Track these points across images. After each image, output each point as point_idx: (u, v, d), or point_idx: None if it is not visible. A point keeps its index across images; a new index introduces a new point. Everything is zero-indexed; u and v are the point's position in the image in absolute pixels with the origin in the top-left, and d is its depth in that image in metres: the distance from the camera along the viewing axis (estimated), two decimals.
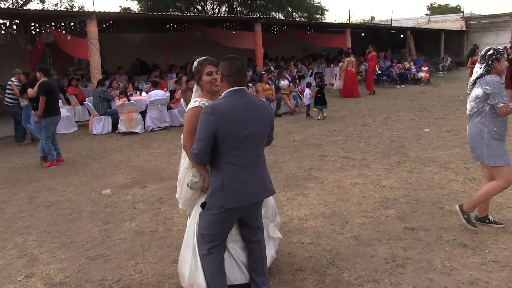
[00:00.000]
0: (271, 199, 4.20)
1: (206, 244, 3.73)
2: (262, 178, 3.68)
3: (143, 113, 12.89)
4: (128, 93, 13.24)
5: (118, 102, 12.48)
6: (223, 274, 3.79)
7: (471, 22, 36.94)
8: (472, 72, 15.70)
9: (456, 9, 54.43)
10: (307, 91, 13.98)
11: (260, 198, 3.70)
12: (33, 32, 18.46)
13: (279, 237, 4.38)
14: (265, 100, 3.85)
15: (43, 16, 16.29)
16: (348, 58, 18.66)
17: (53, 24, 17.92)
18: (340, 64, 19.31)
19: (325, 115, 13.50)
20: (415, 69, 23.94)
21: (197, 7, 35.11)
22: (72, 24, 20.03)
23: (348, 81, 18.59)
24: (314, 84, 14.31)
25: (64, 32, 18.23)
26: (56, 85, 9.32)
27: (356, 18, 55.93)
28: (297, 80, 16.62)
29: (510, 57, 14.82)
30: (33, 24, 18.32)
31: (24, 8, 14.35)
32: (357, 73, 19.76)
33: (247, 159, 3.57)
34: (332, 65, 24.33)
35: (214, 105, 3.52)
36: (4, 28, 17.78)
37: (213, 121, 3.43)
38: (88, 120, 13.37)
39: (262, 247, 3.95)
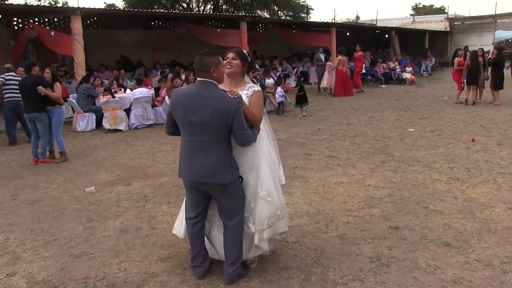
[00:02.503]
0: (261, 207, 4.15)
1: (185, 214, 4.35)
2: (205, 164, 3.97)
3: (128, 111, 12.81)
4: (113, 90, 13.13)
5: (102, 99, 12.37)
6: (196, 242, 4.28)
7: (455, 23, 37.27)
8: (456, 73, 15.93)
9: (441, 10, 54.90)
10: (279, 89, 14.13)
11: (199, 180, 4.02)
12: (16, 27, 18.25)
13: (263, 249, 4.36)
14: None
15: (26, 11, 16.10)
16: (340, 57, 18.71)
17: (36, 19, 17.71)
18: (329, 63, 19.36)
19: (304, 114, 13.64)
20: (400, 69, 24.10)
21: (182, 4, 34.99)
22: (56, 19, 19.83)
23: (340, 80, 18.68)
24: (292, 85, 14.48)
25: (47, 27, 18.03)
26: (31, 80, 8.85)
27: (341, 18, 56.31)
28: (283, 79, 16.65)
29: (491, 59, 15.03)
30: (15, 19, 18.10)
31: (6, 2, 14.18)
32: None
33: (193, 142, 4.00)
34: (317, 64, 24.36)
35: (176, 90, 4.20)
36: None
37: (170, 103, 4.14)
38: (72, 117, 13.25)
39: (228, 232, 4.15)
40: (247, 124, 4.01)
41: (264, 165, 4.19)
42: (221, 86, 4.12)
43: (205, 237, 4.40)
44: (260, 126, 4.25)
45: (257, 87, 4.28)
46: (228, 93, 3.91)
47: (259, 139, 4.19)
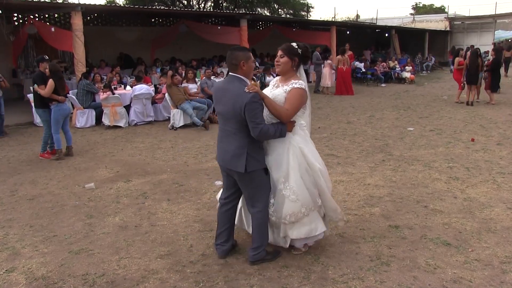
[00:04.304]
0: (282, 203, 4.33)
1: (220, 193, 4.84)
2: (226, 151, 4.33)
3: (128, 107, 12.79)
4: (113, 87, 13.11)
5: (102, 95, 12.35)
6: (221, 221, 4.63)
7: (455, 22, 37.26)
8: (456, 73, 15.92)
9: (441, 10, 54.91)
10: None
11: (222, 164, 4.43)
12: (16, 23, 18.20)
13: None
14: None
15: (27, 7, 16.02)
16: (339, 56, 18.73)
17: (36, 15, 17.67)
18: (328, 61, 19.37)
19: None
20: (400, 68, 24.09)
21: (183, 1, 34.94)
22: (56, 15, 19.79)
23: (340, 79, 18.73)
24: None
25: (48, 23, 17.99)
26: (33, 77, 9.16)
27: (341, 16, 56.28)
28: None
29: (493, 58, 15.05)
30: (16, 14, 18.05)
31: None
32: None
33: (221, 130, 4.42)
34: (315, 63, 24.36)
35: (215, 84, 4.63)
36: None
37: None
38: (72, 113, 13.21)
39: (252, 219, 4.43)
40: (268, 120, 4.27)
41: (291, 163, 4.28)
42: (279, 81, 4.48)
43: (239, 213, 4.80)
44: (299, 124, 4.41)
45: (299, 84, 4.31)
46: (245, 88, 4.11)
47: (291, 136, 4.34)
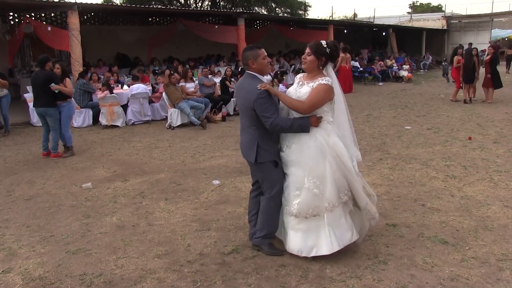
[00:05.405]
0: (305, 196, 4.36)
1: None
2: (243, 142, 4.64)
3: (125, 107, 12.77)
4: (111, 86, 13.09)
5: (100, 94, 12.33)
6: (250, 206, 4.94)
7: (452, 21, 37.33)
8: (454, 71, 15.96)
9: (438, 8, 54.91)
10: (281, 86, 14.25)
11: (242, 154, 4.72)
12: (12, 22, 18.16)
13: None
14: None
15: (23, 6, 15.98)
16: (342, 54, 18.73)
17: (33, 14, 17.63)
18: None
19: None
20: (397, 67, 24.10)
21: (180, 0, 34.90)
22: (52, 15, 19.76)
23: (341, 77, 18.73)
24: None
25: (44, 23, 17.95)
26: (42, 75, 8.84)
27: (338, 15, 56.29)
28: (278, 76, 16.68)
29: (488, 57, 15.08)
30: (12, 13, 18.01)
31: None
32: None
33: (240, 123, 4.69)
34: None
35: None
36: None
37: None
38: None
39: (261, 203, 4.64)
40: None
41: (315, 158, 4.30)
42: (303, 78, 4.57)
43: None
44: (328, 120, 4.40)
45: (325, 80, 4.35)
46: (258, 85, 4.31)
47: (317, 131, 4.34)
